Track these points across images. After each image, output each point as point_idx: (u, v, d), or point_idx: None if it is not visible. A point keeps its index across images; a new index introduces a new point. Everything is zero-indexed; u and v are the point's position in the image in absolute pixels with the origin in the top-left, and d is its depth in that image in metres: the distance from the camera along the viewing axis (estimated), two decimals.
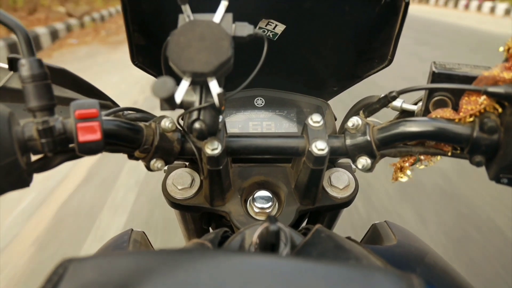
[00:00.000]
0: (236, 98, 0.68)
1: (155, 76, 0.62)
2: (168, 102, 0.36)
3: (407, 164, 0.51)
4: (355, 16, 0.57)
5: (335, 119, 0.70)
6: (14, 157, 0.37)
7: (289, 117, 0.68)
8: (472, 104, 0.43)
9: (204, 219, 0.69)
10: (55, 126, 0.39)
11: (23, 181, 0.40)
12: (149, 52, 0.59)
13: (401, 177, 0.51)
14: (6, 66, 0.51)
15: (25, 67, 0.39)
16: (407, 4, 0.52)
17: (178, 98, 0.37)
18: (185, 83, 0.38)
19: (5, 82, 0.51)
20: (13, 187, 0.40)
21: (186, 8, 0.40)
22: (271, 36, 0.60)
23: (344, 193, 0.59)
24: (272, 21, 0.58)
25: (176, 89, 0.38)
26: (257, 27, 0.59)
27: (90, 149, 0.40)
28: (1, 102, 0.52)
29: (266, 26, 0.59)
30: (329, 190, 0.59)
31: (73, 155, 0.43)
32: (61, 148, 0.40)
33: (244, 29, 0.40)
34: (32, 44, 0.40)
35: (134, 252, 0.47)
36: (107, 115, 0.46)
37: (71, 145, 0.41)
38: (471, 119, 0.44)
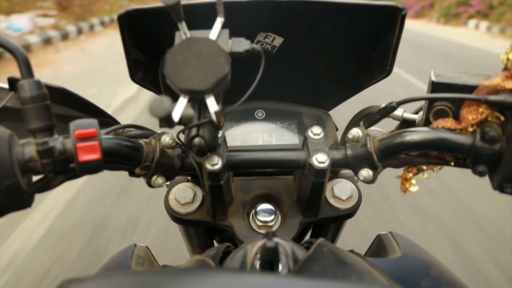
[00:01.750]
0: (236, 111, 0.68)
1: (155, 92, 0.63)
2: (166, 121, 0.36)
3: (411, 175, 0.51)
4: (353, 28, 0.57)
5: (337, 129, 0.70)
6: (15, 179, 0.37)
7: (290, 129, 0.68)
8: (473, 114, 0.43)
9: (207, 233, 0.68)
10: (55, 147, 0.39)
11: (25, 202, 0.40)
12: (148, 69, 0.59)
13: (410, 188, 0.50)
14: (7, 86, 0.52)
15: (24, 89, 0.39)
16: (403, 16, 0.52)
17: (176, 117, 0.37)
18: (182, 101, 0.38)
19: (5, 102, 0.52)
20: (14, 208, 0.40)
21: (182, 25, 0.40)
22: (269, 49, 0.60)
23: (347, 204, 0.59)
24: (270, 34, 0.58)
25: (173, 107, 0.38)
26: (255, 40, 0.59)
27: (90, 168, 0.40)
28: (2, 121, 0.52)
29: (264, 39, 0.59)
30: (332, 201, 0.59)
31: (74, 175, 0.43)
32: (62, 168, 0.40)
33: (241, 45, 0.40)
34: (31, 66, 0.41)
35: (135, 272, 0.46)
36: (107, 133, 0.46)
37: (71, 165, 0.41)
38: (473, 128, 0.43)
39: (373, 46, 0.59)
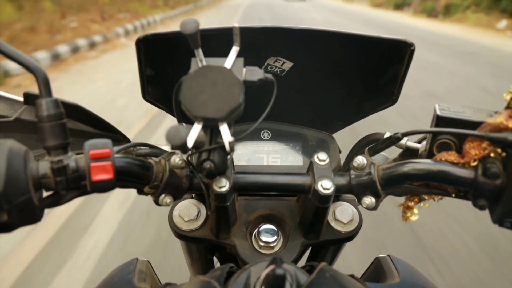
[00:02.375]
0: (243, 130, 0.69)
1: (166, 111, 0.64)
2: (181, 147, 0.37)
3: (412, 204, 0.52)
4: (363, 58, 0.59)
5: (340, 152, 0.71)
6: (28, 195, 0.38)
7: (295, 150, 0.69)
8: (476, 149, 0.44)
9: (208, 249, 0.69)
10: (69, 165, 0.40)
11: (35, 217, 0.41)
12: (161, 90, 0.60)
13: (411, 217, 0.51)
14: (21, 99, 0.53)
15: (42, 108, 0.40)
16: (412, 51, 0.53)
17: (190, 143, 0.38)
18: (197, 127, 0.39)
19: (19, 114, 0.53)
20: (24, 223, 0.41)
21: (198, 52, 0.41)
22: (278, 72, 0.62)
23: (348, 228, 0.59)
24: (280, 58, 0.60)
25: (188, 133, 0.39)
26: (266, 64, 0.60)
27: (102, 187, 0.41)
28: (15, 133, 0.53)
29: (274, 63, 0.60)
30: (333, 224, 0.59)
31: (84, 191, 0.44)
32: (74, 185, 0.41)
33: (255, 74, 0.42)
34: (50, 84, 0.42)
35: None
36: (119, 151, 0.47)
37: (83, 183, 0.42)
38: (475, 163, 0.45)
39: (380, 76, 0.60)
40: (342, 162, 0.70)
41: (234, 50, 0.42)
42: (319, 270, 0.43)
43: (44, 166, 0.40)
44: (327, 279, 0.42)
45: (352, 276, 0.50)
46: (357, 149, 0.64)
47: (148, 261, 0.63)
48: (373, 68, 0.60)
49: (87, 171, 0.40)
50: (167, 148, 0.62)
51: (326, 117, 0.71)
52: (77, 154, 0.42)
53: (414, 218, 0.51)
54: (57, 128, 0.41)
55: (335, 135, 0.73)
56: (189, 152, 0.46)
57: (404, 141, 0.55)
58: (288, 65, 0.61)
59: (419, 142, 0.56)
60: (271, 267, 0.38)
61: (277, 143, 0.70)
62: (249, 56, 0.42)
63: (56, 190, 0.41)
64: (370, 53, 0.58)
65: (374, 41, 0.55)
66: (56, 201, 0.43)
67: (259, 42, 0.56)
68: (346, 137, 0.75)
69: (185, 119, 0.41)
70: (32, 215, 0.40)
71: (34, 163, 0.40)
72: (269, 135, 0.70)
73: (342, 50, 0.58)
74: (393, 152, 0.60)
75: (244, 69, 0.42)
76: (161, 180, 0.48)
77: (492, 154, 0.44)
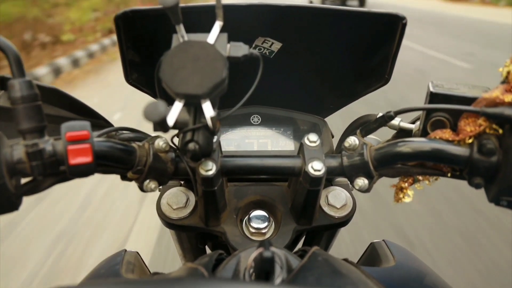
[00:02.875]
0: (232, 115, 0.67)
1: (150, 95, 0.62)
2: (161, 125, 0.35)
3: (406, 185, 0.50)
4: (353, 35, 0.57)
5: (332, 137, 0.69)
6: (2, 181, 0.36)
7: (285, 135, 0.67)
8: (471, 126, 0.43)
9: (200, 238, 0.67)
10: (45, 149, 0.38)
11: (12, 205, 0.39)
12: (143, 71, 0.58)
13: (404, 198, 0.50)
14: None
15: (15, 88, 0.38)
16: (404, 25, 0.51)
17: (171, 121, 0.37)
18: (178, 105, 0.37)
19: None
20: (0, 211, 0.39)
21: (180, 28, 0.39)
22: (267, 53, 0.59)
23: (341, 212, 0.58)
24: (268, 39, 0.58)
25: (168, 112, 0.37)
26: (253, 45, 0.58)
27: (81, 171, 0.39)
28: None
29: (262, 44, 0.58)
30: (326, 209, 0.58)
31: (64, 177, 0.42)
32: (51, 170, 0.39)
33: (239, 50, 0.40)
34: (22, 65, 0.39)
35: (126, 280, 0.45)
36: (99, 135, 0.45)
37: (61, 168, 0.40)
38: (470, 140, 0.43)
39: (372, 54, 0.58)
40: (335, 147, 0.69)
41: (217, 24, 0.40)
42: (311, 254, 0.41)
43: (18, 150, 0.38)
44: (320, 263, 0.40)
45: (346, 260, 0.49)
46: (349, 131, 0.62)
47: (137, 252, 0.61)
48: (365, 46, 0.58)
49: (64, 155, 0.38)
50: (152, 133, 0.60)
51: (317, 100, 0.69)
52: (55, 139, 0.40)
53: (407, 199, 0.50)
54: (32, 110, 0.39)
55: (328, 120, 0.71)
56: (174, 135, 0.44)
57: (397, 121, 0.53)
58: (277, 46, 0.59)
59: (413, 122, 0.55)
60: (259, 250, 0.36)
61: (267, 128, 0.68)
62: (235, 37, 0.40)
63: (33, 175, 0.39)
64: (361, 29, 0.56)
65: (364, 16, 0.53)
66: (34, 188, 0.41)
67: (245, 22, 0.54)
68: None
69: (169, 99, 0.39)
70: (8, 203, 0.38)
71: (8, 148, 0.38)
72: (259, 120, 0.68)
73: (332, 27, 0.56)
74: (387, 136, 0.58)
75: (228, 45, 0.40)
76: (145, 164, 0.46)
77: (487, 130, 0.42)
